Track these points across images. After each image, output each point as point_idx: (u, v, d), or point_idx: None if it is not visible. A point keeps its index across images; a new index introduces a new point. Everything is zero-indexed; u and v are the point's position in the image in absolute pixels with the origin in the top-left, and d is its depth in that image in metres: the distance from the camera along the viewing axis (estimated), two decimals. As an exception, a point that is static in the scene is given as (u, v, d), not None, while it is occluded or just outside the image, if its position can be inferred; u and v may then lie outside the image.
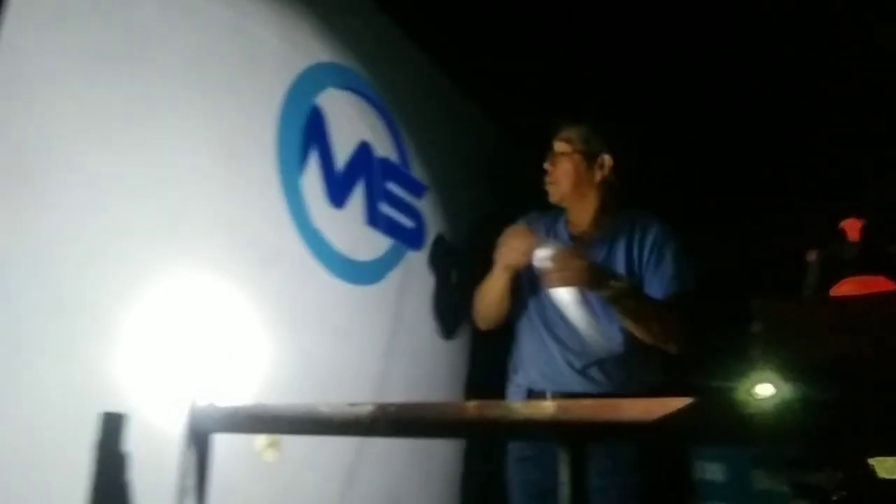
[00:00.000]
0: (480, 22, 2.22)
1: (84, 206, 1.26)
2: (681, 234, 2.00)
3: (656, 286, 1.90)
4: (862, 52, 2.20)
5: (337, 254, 1.87)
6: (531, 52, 2.34)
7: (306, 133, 1.80)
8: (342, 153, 1.92)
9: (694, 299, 1.89)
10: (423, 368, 2.19)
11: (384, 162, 2.10)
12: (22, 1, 1.17)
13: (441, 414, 1.21)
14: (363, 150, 2.01)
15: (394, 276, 2.08)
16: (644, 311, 1.83)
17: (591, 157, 2.02)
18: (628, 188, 2.06)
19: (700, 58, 2.31)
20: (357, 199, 1.97)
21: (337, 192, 1.89)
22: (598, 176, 2.02)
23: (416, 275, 2.19)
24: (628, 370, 1.92)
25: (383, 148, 2.10)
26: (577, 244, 1.99)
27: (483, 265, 2.00)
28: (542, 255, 1.75)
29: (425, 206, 2.27)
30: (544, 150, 2.08)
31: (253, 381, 1.55)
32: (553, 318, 1.96)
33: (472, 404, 1.12)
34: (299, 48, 1.81)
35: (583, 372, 1.92)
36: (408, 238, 2.18)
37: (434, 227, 2.31)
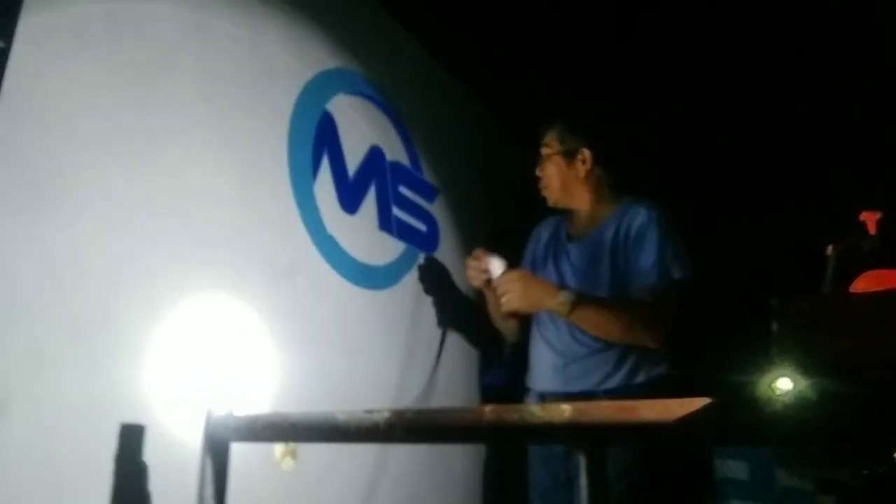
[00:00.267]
0: (489, 23, 2.22)
1: (102, 224, 1.28)
2: (682, 226, 1.92)
3: (633, 277, 1.87)
4: (879, 46, 2.17)
5: (351, 259, 1.87)
6: (541, 54, 2.33)
7: (317, 140, 1.81)
8: (353, 159, 1.93)
9: (680, 288, 1.84)
10: (440, 371, 2.18)
11: (395, 166, 2.10)
12: (39, 24, 1.19)
13: (458, 419, 1.21)
14: (374, 154, 2.01)
15: (408, 280, 2.09)
16: (602, 317, 1.80)
17: (570, 155, 2.00)
18: (623, 175, 2.03)
19: (716, 54, 2.30)
20: (369, 204, 1.97)
21: (349, 197, 1.89)
22: (582, 172, 2.00)
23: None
24: (611, 367, 1.87)
25: (394, 152, 2.10)
26: (574, 245, 2.00)
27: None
28: (495, 278, 1.86)
29: (437, 209, 2.27)
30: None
31: (270, 390, 1.56)
32: (543, 320, 1.98)
33: (489, 408, 1.11)
34: (308, 56, 1.82)
35: (563, 370, 1.92)
36: (421, 241, 2.18)
37: (447, 229, 2.30)
